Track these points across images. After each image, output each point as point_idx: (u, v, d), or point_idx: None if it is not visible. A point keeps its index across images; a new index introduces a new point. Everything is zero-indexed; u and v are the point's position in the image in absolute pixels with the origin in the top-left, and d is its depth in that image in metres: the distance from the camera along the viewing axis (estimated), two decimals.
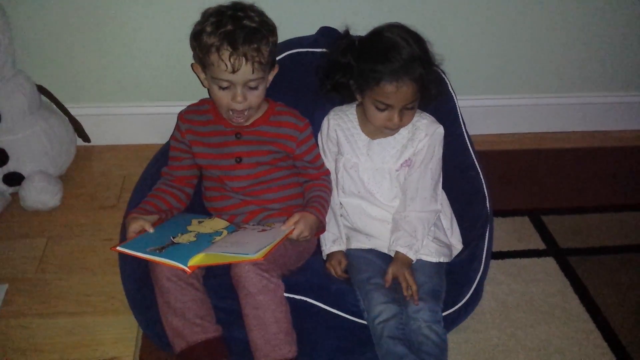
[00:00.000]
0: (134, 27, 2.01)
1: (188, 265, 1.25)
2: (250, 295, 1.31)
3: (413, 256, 1.47)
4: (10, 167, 1.87)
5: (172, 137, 1.59)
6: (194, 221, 1.46)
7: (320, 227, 1.51)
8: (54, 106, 2.03)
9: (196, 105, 1.59)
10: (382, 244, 1.54)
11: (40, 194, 1.83)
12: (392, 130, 1.49)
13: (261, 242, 1.30)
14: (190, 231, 1.40)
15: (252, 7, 1.44)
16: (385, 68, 1.39)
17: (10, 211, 1.87)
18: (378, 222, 1.55)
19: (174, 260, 1.26)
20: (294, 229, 1.40)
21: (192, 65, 1.50)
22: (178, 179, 1.56)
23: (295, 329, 1.37)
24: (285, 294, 1.36)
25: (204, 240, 1.35)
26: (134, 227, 1.38)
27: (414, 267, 1.47)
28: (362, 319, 1.44)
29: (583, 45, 2.28)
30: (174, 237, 1.35)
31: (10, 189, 1.90)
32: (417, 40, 1.43)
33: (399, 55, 1.39)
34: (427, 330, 1.38)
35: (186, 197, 1.57)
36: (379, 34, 1.46)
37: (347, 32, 1.52)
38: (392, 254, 1.49)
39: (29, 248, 1.74)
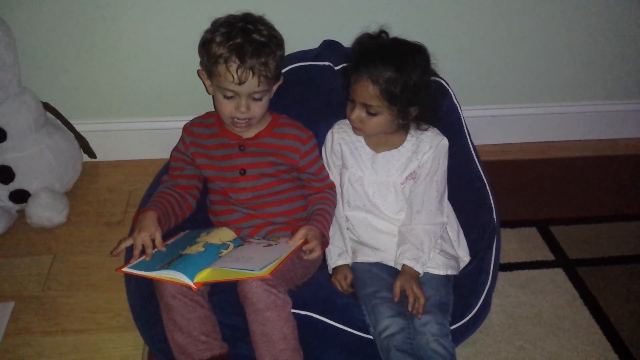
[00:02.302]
0: (139, 43, 2.01)
1: (194, 281, 1.25)
2: (258, 312, 1.30)
3: (420, 269, 1.46)
4: (17, 184, 1.87)
5: (175, 148, 1.60)
6: (203, 233, 1.45)
7: (324, 241, 1.50)
8: (60, 123, 2.04)
9: (201, 118, 1.60)
10: (389, 257, 1.53)
11: (46, 210, 1.84)
12: (354, 127, 1.50)
13: (267, 257, 1.29)
14: (199, 242, 1.39)
15: (261, 21, 1.45)
16: (362, 62, 1.41)
17: (16, 228, 1.87)
18: (384, 235, 1.54)
19: (180, 272, 1.26)
20: (300, 244, 1.39)
21: (198, 71, 1.51)
22: (180, 187, 1.56)
23: (301, 345, 1.36)
24: None
25: (212, 253, 1.35)
26: (145, 235, 1.38)
27: (421, 280, 1.46)
28: (369, 333, 1.43)
29: (588, 53, 2.27)
30: (182, 251, 1.35)
31: (17, 206, 1.91)
32: (416, 70, 1.41)
33: (382, 66, 1.39)
34: (435, 344, 1.37)
35: (187, 207, 1.56)
36: (396, 45, 1.45)
37: (383, 31, 1.50)
38: (399, 267, 1.48)
39: (35, 265, 1.73)
